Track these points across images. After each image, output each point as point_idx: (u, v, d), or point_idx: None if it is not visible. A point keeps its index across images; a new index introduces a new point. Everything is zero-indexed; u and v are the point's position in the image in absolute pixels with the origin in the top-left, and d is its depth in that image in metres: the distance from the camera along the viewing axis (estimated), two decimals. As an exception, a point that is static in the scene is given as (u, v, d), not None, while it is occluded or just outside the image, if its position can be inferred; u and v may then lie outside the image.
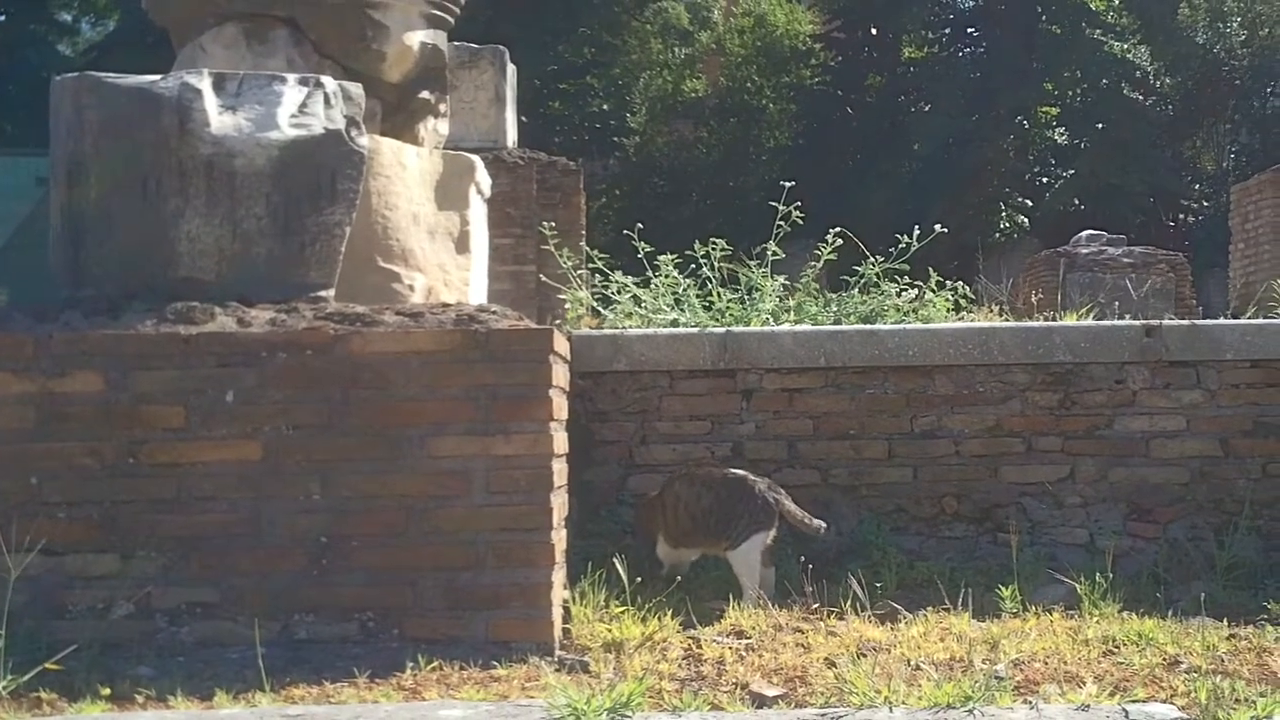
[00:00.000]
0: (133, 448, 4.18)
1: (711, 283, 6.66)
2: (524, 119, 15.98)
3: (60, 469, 4.17)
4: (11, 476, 4.16)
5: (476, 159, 5.98)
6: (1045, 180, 31.51)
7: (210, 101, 4.53)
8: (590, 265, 7.41)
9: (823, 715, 3.46)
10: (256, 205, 4.53)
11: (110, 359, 4.19)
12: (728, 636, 4.48)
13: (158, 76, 4.63)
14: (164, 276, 4.48)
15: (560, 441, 4.48)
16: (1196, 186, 32.46)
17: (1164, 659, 4.13)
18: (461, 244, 5.75)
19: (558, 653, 4.18)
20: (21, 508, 4.14)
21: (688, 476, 5.17)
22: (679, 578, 5.08)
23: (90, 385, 4.19)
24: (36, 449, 4.17)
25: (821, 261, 6.86)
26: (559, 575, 4.41)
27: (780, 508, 4.99)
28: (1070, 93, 32.27)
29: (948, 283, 7.12)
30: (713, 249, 6.72)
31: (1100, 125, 30.98)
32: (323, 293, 4.63)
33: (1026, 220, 29.92)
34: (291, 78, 4.76)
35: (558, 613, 4.33)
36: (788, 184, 6.89)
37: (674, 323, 6.27)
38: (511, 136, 14.38)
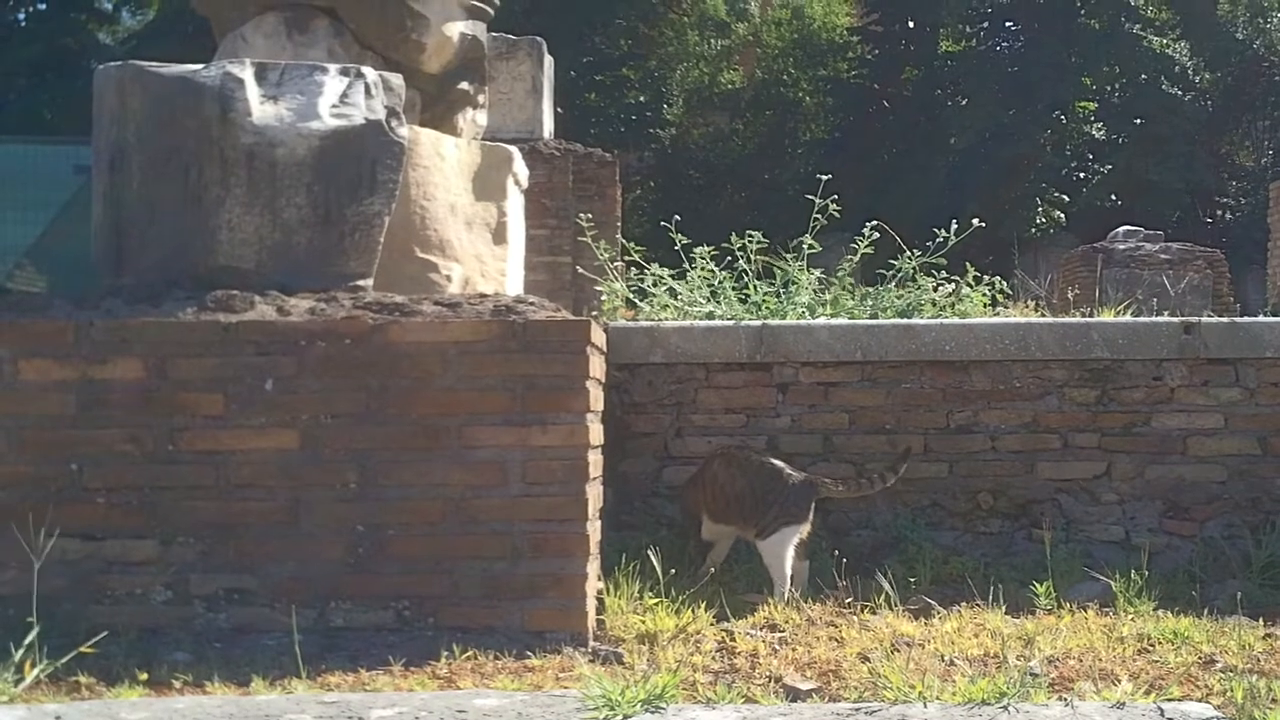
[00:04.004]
0: (172, 435, 4.21)
1: (747, 275, 6.66)
2: (560, 110, 15.99)
3: (100, 455, 4.20)
4: (52, 462, 4.19)
5: (514, 150, 5.99)
6: (1082, 175, 31.37)
7: (252, 91, 4.55)
8: (626, 257, 7.42)
9: (857, 710, 3.45)
10: (297, 195, 4.56)
11: (151, 346, 4.22)
12: (761, 630, 4.48)
13: (200, 66, 4.66)
14: (204, 265, 4.51)
15: (596, 433, 4.49)
16: (1234, 183, 32.27)
17: (1199, 658, 4.12)
18: (498, 235, 5.77)
19: (592, 644, 4.19)
20: (62, 493, 4.17)
21: (726, 456, 5.19)
22: (713, 570, 5.10)
23: (131, 372, 4.21)
24: (77, 435, 4.20)
25: (858, 255, 6.85)
26: (593, 566, 4.42)
27: (820, 493, 5.03)
28: (1108, 88, 32.13)
29: (984, 278, 7.10)
30: (749, 242, 6.72)
31: (1138, 121, 30.85)
32: (361, 282, 4.66)
33: (1063, 216, 29.79)
34: (333, 68, 4.78)
35: (592, 604, 4.34)
36: (824, 177, 6.87)
37: (710, 315, 6.27)
38: (548, 128, 14.39)
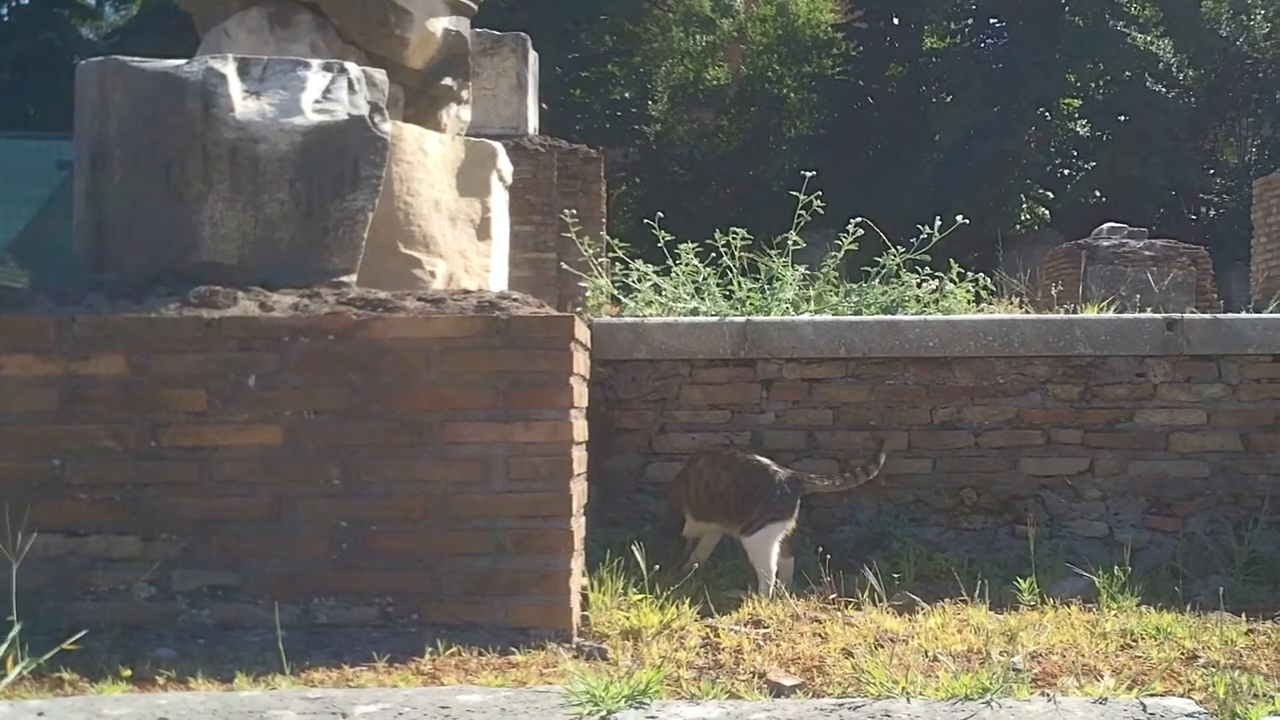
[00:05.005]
0: (155, 431, 4.20)
1: (732, 272, 6.66)
2: (545, 106, 16.00)
3: (83, 451, 4.19)
4: (34, 458, 4.18)
5: (498, 146, 5.99)
6: (1066, 172, 31.38)
7: (235, 86, 4.54)
8: (610, 253, 7.41)
9: (840, 705, 3.46)
10: (280, 190, 4.55)
11: (133, 342, 4.21)
12: (745, 625, 4.48)
13: (183, 61, 4.65)
14: (187, 261, 4.50)
15: (580, 429, 4.49)
16: (1218, 180, 32.32)
17: (1182, 653, 4.13)
18: (482, 230, 5.77)
19: (576, 640, 4.19)
20: (44, 489, 4.16)
21: (712, 454, 5.20)
22: (697, 566, 5.10)
23: (113, 368, 4.20)
24: (59, 431, 4.19)
25: (842, 252, 6.86)
26: (578, 562, 4.42)
27: (806, 489, 5.04)
28: (1092, 85, 32.17)
29: (968, 274, 7.11)
30: (733, 238, 6.72)
31: (1122, 117, 30.88)
32: (345, 278, 4.65)
33: (1047, 212, 29.82)
34: (315, 63, 4.77)
35: (576, 600, 4.34)
36: (808, 173, 6.88)
37: (694, 311, 6.27)
38: (533, 124, 14.40)
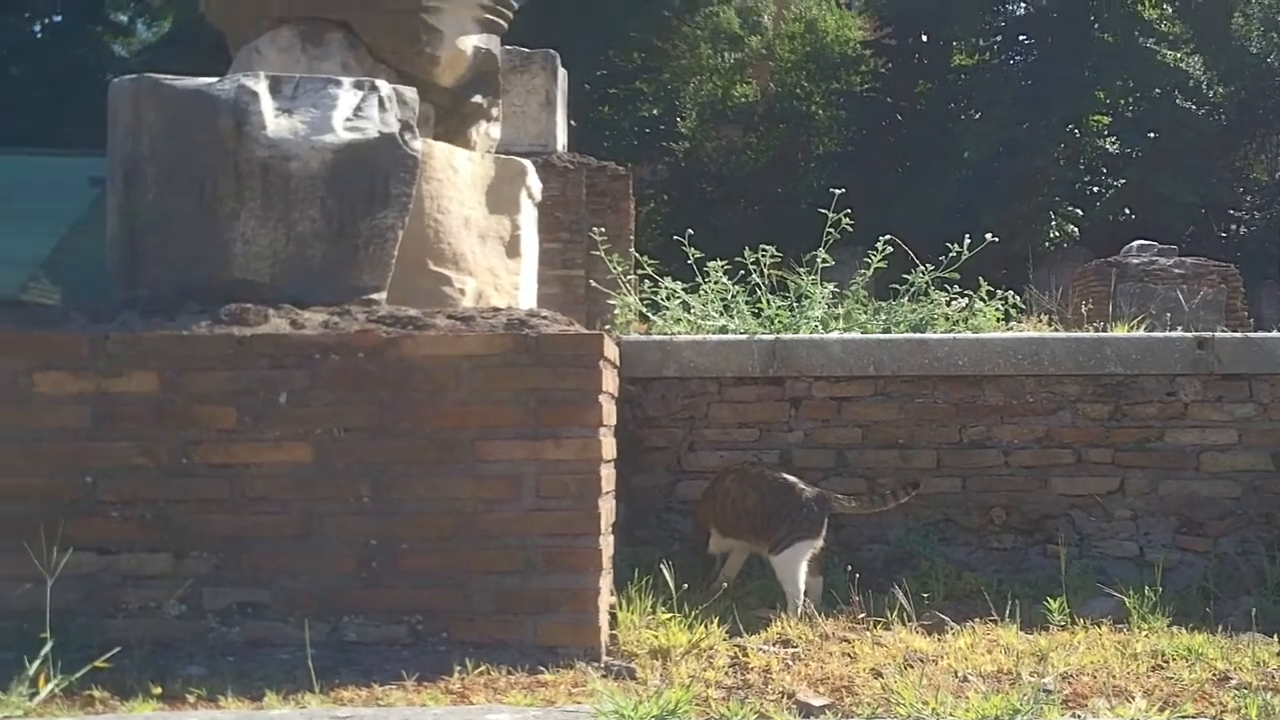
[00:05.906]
0: (186, 448, 4.21)
1: (760, 289, 6.66)
2: (574, 123, 16.01)
3: (115, 468, 4.20)
4: (67, 475, 4.20)
5: (527, 163, 6.00)
6: (1096, 189, 31.26)
7: (266, 104, 4.56)
8: (639, 271, 7.43)
9: (870, 726, 3.45)
10: (311, 208, 4.57)
11: (165, 359, 4.23)
12: (774, 645, 4.47)
13: (215, 79, 4.68)
14: (219, 278, 4.52)
15: (609, 447, 4.49)
16: (1248, 197, 32.15)
17: (1213, 674, 4.10)
18: (512, 248, 5.78)
19: (604, 659, 4.19)
20: (76, 506, 4.18)
21: (739, 472, 5.21)
22: (725, 584, 5.09)
23: (145, 385, 4.22)
24: (91, 448, 4.21)
25: (871, 269, 6.85)
26: (606, 581, 4.42)
27: (832, 508, 5.02)
28: (1122, 101, 32.05)
29: (998, 292, 7.10)
30: (762, 255, 6.72)
31: (1152, 134, 30.77)
32: (375, 295, 4.66)
33: (1076, 230, 29.70)
34: (346, 81, 4.79)
35: (605, 618, 4.34)
36: (837, 190, 6.88)
37: (723, 329, 6.27)
38: (562, 141, 14.42)
